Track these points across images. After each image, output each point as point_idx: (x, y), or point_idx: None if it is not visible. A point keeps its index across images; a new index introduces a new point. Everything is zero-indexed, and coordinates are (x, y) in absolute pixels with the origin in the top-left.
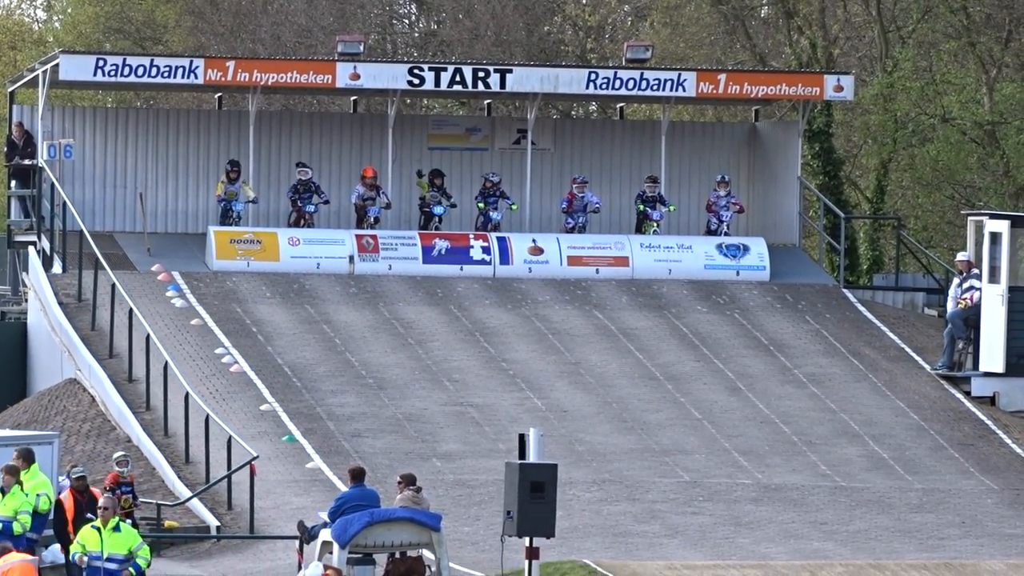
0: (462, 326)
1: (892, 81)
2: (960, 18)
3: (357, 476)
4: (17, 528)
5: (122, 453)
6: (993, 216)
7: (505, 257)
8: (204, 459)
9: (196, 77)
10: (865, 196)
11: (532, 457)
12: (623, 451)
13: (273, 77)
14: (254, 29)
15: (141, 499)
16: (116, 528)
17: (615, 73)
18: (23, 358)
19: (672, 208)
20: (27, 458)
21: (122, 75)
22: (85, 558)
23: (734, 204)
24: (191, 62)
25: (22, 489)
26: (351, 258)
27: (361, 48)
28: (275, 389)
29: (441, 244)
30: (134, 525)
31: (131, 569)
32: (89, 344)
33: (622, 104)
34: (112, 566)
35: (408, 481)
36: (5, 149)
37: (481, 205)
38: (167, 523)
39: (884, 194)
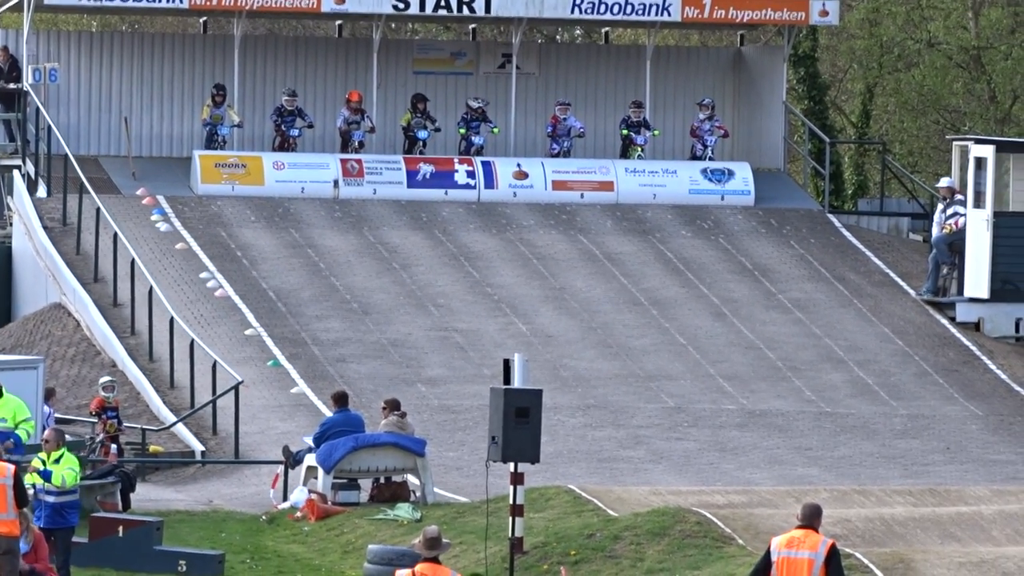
0: (447, 251)
1: (878, 5)
2: None
3: (340, 400)
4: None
5: (108, 378)
6: (978, 141)
7: (490, 181)
8: (189, 384)
9: (181, 1)
10: (850, 121)
11: (517, 382)
12: (608, 376)
13: (258, 1)
14: None
15: (126, 424)
16: (57, 461)
17: None
18: (7, 282)
19: (656, 133)
20: None
21: None
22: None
23: (718, 128)
24: None
25: None
26: (336, 182)
27: None
28: (260, 314)
29: (426, 168)
30: (120, 450)
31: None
32: (74, 268)
33: (607, 28)
34: (50, 499)
35: (392, 406)
36: None
37: (463, 131)
38: (152, 448)
39: (869, 119)
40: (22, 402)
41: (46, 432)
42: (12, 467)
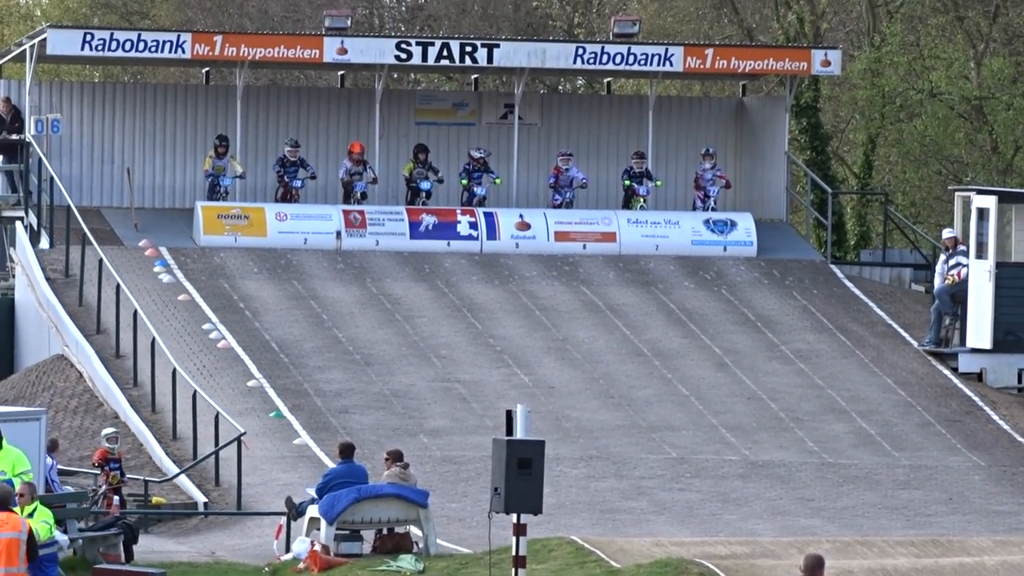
0: (449, 302)
1: (880, 56)
2: None
3: (345, 452)
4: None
5: (113, 430)
6: (980, 192)
7: (492, 232)
8: (192, 435)
9: (183, 52)
10: (852, 171)
11: (519, 433)
12: (610, 427)
13: (260, 52)
14: (241, 3)
15: (128, 475)
16: (31, 514)
17: (603, 48)
18: (10, 334)
19: (659, 183)
20: None
21: (109, 50)
22: None
23: (720, 178)
24: (178, 37)
25: None
26: (338, 233)
27: (348, 22)
28: (262, 365)
29: (428, 219)
30: (122, 502)
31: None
32: (76, 320)
33: (610, 79)
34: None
35: (395, 457)
36: None
37: (464, 182)
38: (155, 499)
39: (872, 169)
40: (22, 453)
41: (20, 486)
42: (27, 522)
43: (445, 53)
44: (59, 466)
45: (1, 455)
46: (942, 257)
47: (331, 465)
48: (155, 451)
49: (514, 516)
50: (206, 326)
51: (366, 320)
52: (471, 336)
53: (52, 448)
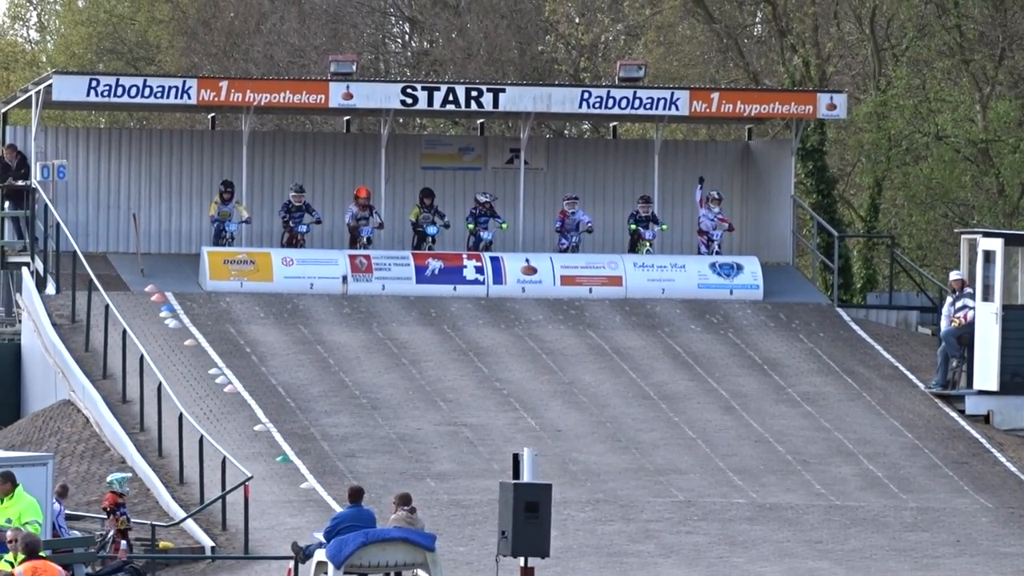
0: (456, 346)
1: (885, 99)
2: (954, 36)
3: (355, 496)
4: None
5: (128, 474)
6: (986, 234)
7: (498, 277)
8: (198, 480)
9: (189, 97)
10: (859, 214)
11: (526, 477)
12: (617, 471)
13: (266, 97)
14: (247, 49)
15: (135, 520)
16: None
17: (608, 92)
18: (17, 379)
19: (664, 227)
20: (10, 480)
21: (115, 95)
22: None
23: (722, 221)
24: (184, 82)
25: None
26: (344, 278)
27: (354, 68)
28: (269, 409)
29: (434, 264)
30: (129, 546)
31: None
32: (83, 365)
33: (615, 123)
34: None
35: (402, 501)
36: None
37: (471, 226)
38: (162, 544)
39: (878, 212)
40: (35, 502)
41: (9, 532)
42: (62, 570)
43: (451, 98)
44: (66, 511)
45: (11, 501)
46: (948, 300)
47: (338, 509)
48: (162, 495)
49: (521, 560)
50: (212, 371)
51: (372, 364)
52: (478, 380)
53: (62, 494)
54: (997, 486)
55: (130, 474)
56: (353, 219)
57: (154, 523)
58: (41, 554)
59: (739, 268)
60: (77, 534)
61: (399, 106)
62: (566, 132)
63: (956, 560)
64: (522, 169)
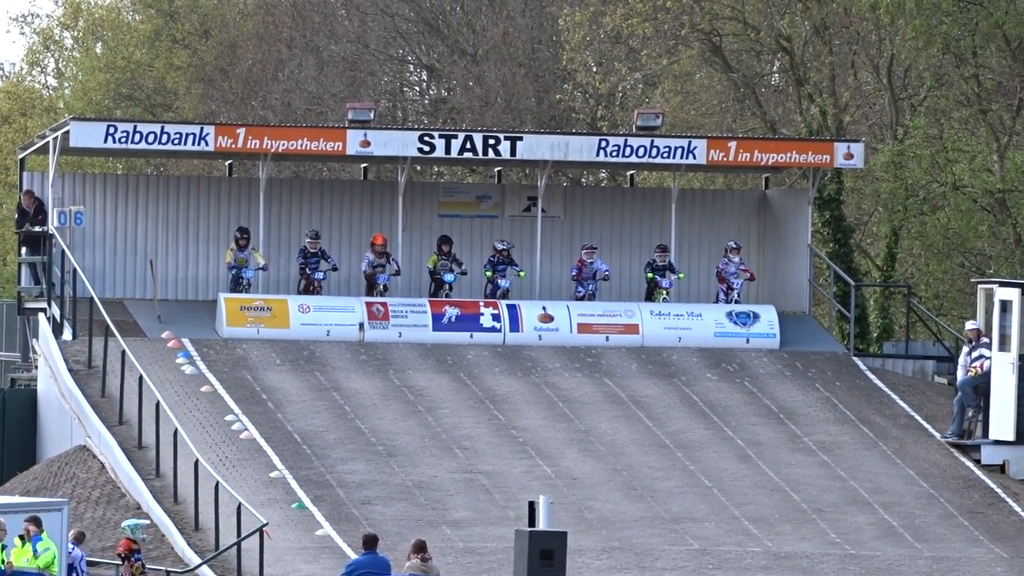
0: (472, 393)
1: (903, 149)
2: (971, 86)
3: (370, 543)
4: None
5: (144, 522)
6: (1003, 284)
7: (515, 324)
8: (214, 526)
9: (206, 144)
10: (875, 264)
11: (542, 525)
12: (633, 519)
13: (283, 144)
14: (264, 96)
15: (150, 566)
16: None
17: (625, 140)
18: (33, 425)
19: (682, 276)
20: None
21: (132, 142)
22: None
23: (743, 271)
24: (201, 129)
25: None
26: (361, 325)
27: (371, 115)
28: (285, 456)
29: (451, 311)
30: None
31: None
32: (99, 411)
33: (633, 171)
34: None
35: (418, 549)
36: (16, 216)
37: (489, 274)
38: None
39: (895, 262)
40: (54, 549)
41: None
42: None
43: (468, 146)
44: (88, 558)
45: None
46: (965, 349)
47: (353, 556)
48: (177, 542)
49: None
50: (229, 417)
51: (389, 411)
52: (494, 427)
53: (80, 540)
54: (1012, 536)
55: (147, 521)
56: (370, 266)
57: (169, 569)
58: None
59: (756, 317)
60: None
61: (416, 154)
62: (583, 180)
63: None
64: (539, 217)
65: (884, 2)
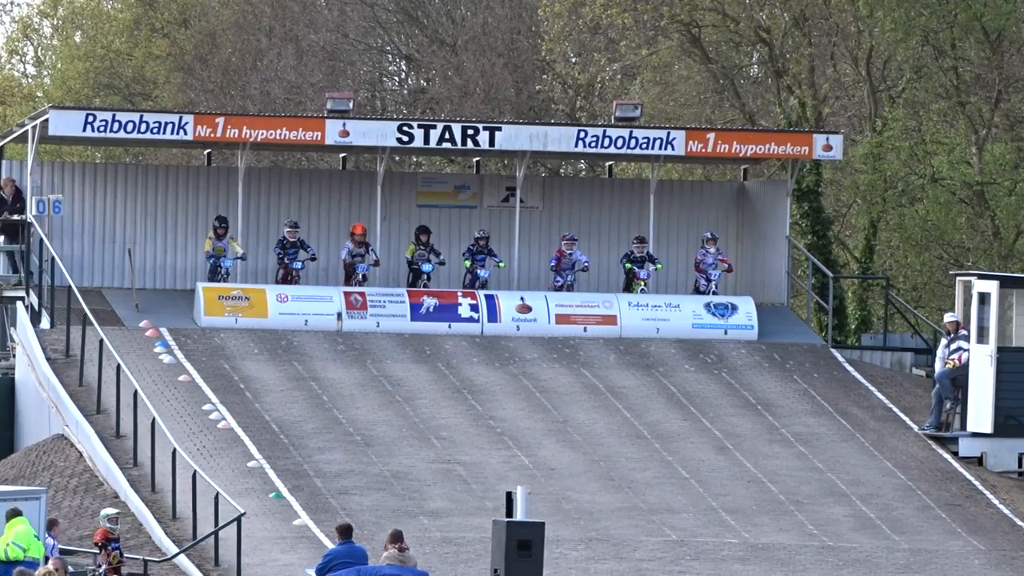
0: (450, 384)
1: (881, 141)
2: (950, 78)
3: (344, 533)
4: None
5: (115, 510)
6: (981, 276)
7: (493, 315)
8: (191, 515)
9: (185, 133)
10: (854, 256)
11: (519, 515)
12: (610, 509)
13: (262, 133)
14: (244, 85)
15: (128, 555)
16: None
17: (604, 131)
18: (10, 413)
19: (659, 267)
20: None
21: (111, 131)
22: None
23: (722, 262)
24: (180, 118)
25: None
26: (339, 315)
27: (350, 105)
28: (262, 446)
29: (429, 301)
30: None
31: None
32: (77, 400)
33: (611, 163)
34: None
35: (394, 539)
36: None
37: (468, 263)
38: None
39: (873, 254)
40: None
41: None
42: None
43: (447, 136)
44: (60, 545)
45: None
46: (943, 341)
47: (331, 546)
48: (155, 531)
49: None
50: (206, 407)
51: (366, 401)
52: (471, 418)
53: (52, 527)
54: (990, 528)
55: (116, 510)
56: (349, 256)
57: (146, 558)
58: None
59: (734, 308)
60: (70, 569)
61: (395, 144)
62: (562, 171)
63: None
64: (518, 207)
65: None
